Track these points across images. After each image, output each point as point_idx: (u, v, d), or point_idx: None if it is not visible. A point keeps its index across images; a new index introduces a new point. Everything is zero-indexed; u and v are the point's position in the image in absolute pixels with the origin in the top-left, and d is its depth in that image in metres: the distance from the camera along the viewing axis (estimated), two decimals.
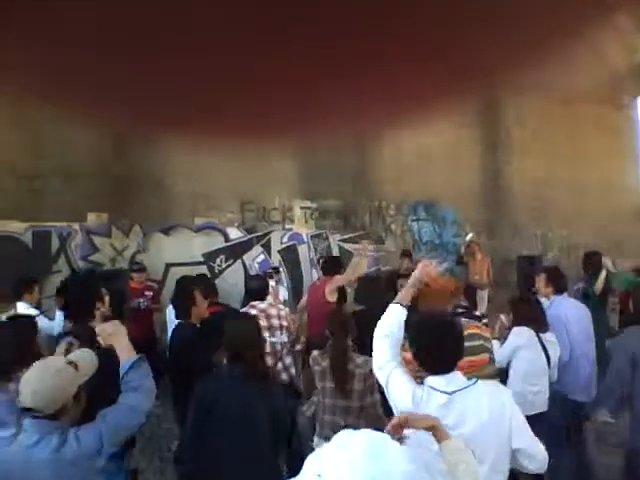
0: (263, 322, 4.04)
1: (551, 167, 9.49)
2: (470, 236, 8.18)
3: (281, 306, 4.51)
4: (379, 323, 2.38)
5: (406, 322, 2.36)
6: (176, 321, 4.27)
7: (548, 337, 3.79)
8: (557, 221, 9.72)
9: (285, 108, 0.40)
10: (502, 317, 4.09)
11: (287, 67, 0.34)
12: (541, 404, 3.67)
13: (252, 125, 0.42)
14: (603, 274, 5.87)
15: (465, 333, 2.80)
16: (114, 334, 2.34)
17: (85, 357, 2.13)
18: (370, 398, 3.12)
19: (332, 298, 5.21)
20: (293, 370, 4.36)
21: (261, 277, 4.81)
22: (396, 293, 7.33)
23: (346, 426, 2.67)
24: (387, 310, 2.43)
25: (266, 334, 3.98)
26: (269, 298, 4.64)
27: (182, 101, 0.38)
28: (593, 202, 9.73)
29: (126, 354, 2.29)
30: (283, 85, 0.36)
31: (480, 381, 2.07)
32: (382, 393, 2.39)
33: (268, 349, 4.02)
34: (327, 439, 1.26)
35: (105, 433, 1.95)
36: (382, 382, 2.19)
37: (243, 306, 4.67)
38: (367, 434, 1.19)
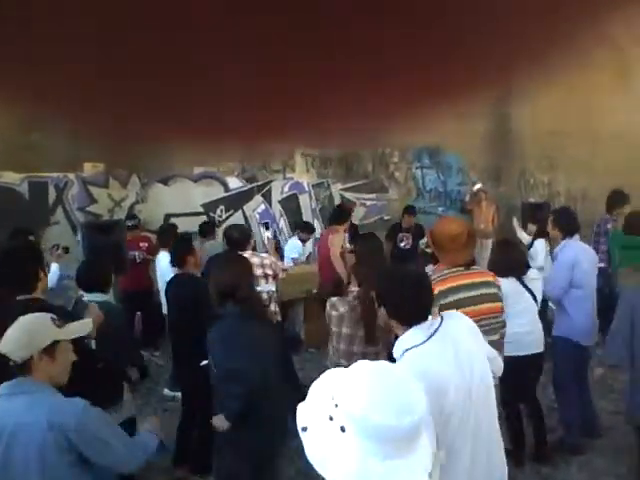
0: None
1: (563, 116, 9.19)
2: (478, 185, 8.02)
3: (264, 254, 4.54)
4: None
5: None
6: (170, 272, 4.22)
7: (530, 275, 3.80)
8: (566, 170, 9.49)
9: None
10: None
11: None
12: (536, 344, 3.70)
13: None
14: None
15: (481, 280, 2.82)
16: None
17: (84, 322, 2.12)
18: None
19: (332, 247, 5.22)
20: (279, 317, 4.43)
21: (242, 227, 4.79)
22: (395, 245, 7.31)
23: None
24: None
25: None
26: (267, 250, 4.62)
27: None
28: (605, 152, 9.46)
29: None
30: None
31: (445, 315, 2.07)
32: None
33: None
34: None
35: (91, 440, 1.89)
36: None
37: None
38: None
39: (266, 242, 5.01)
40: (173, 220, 7.10)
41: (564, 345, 3.88)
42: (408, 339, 1.93)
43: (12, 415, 1.81)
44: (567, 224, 4.10)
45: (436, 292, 2.59)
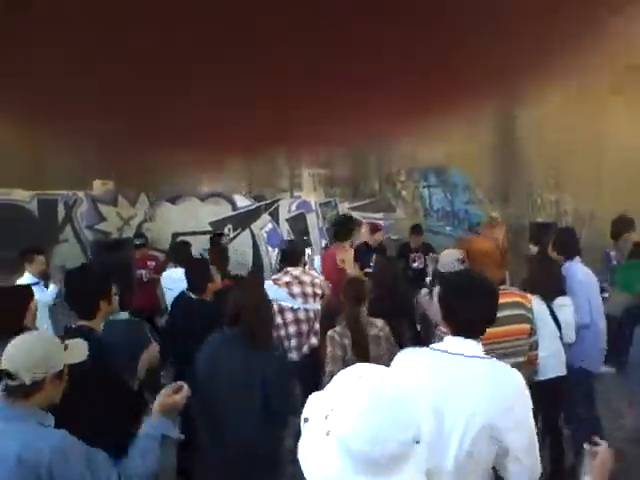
0: (297, 289, 4.08)
1: (570, 136, 9.20)
2: (494, 213, 7.90)
3: (315, 273, 4.47)
4: None
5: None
6: (180, 288, 4.16)
7: (559, 301, 3.69)
8: (573, 189, 9.47)
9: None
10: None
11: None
12: (553, 368, 3.58)
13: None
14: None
15: (511, 300, 2.74)
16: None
17: (78, 344, 1.97)
18: None
19: (342, 265, 5.16)
20: (318, 337, 4.28)
21: (296, 242, 4.76)
22: (407, 262, 7.23)
23: None
24: None
25: (300, 300, 4.04)
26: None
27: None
28: (613, 173, 9.44)
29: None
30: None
31: (495, 360, 1.88)
32: None
33: (302, 316, 4.07)
34: None
35: None
36: None
37: (279, 270, 4.66)
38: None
39: (307, 259, 4.96)
40: (180, 239, 7.12)
41: (573, 372, 3.79)
42: (445, 344, 1.89)
43: None
44: (566, 246, 4.02)
45: None
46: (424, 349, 1.95)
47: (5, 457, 1.64)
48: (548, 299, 3.63)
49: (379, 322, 3.34)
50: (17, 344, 1.76)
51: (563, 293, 3.74)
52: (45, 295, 4.74)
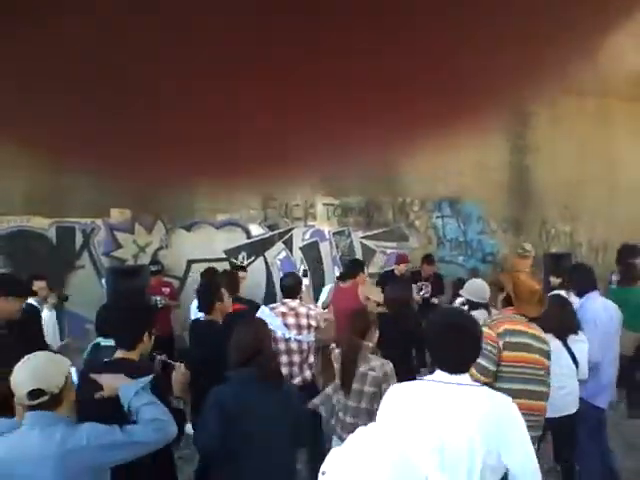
0: (292, 320, 4.12)
1: (582, 165, 9.23)
2: (528, 246, 7.80)
3: (312, 306, 4.52)
4: None
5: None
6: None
7: (574, 337, 3.68)
8: (586, 220, 9.45)
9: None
10: None
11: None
12: (571, 405, 3.59)
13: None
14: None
15: (539, 335, 2.90)
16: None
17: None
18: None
19: (367, 302, 5.20)
20: (314, 369, 4.35)
21: (295, 275, 4.81)
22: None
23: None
24: None
25: (294, 332, 4.07)
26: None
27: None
28: (625, 201, 9.42)
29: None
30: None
31: (486, 388, 1.96)
32: None
33: (295, 347, 4.09)
34: (342, 440, 1.28)
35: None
36: None
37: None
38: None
39: (304, 289, 5.03)
40: (195, 266, 7.21)
41: (582, 408, 3.73)
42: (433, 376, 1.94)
43: (25, 451, 1.81)
44: (580, 282, 4.05)
45: (502, 329, 2.83)
46: (416, 382, 1.99)
47: (46, 457, 1.79)
48: (562, 337, 3.62)
49: (377, 362, 3.17)
50: (32, 365, 1.91)
51: (575, 332, 3.72)
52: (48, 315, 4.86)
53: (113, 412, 2.10)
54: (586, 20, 0.33)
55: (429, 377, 1.98)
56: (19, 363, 1.93)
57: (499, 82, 0.38)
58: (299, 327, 4.11)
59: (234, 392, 2.56)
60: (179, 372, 2.75)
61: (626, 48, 5.83)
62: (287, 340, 4.08)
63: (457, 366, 1.91)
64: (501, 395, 1.91)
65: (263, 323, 3.12)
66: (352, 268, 5.85)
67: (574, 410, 3.59)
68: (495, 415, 1.80)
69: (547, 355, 2.89)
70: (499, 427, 1.78)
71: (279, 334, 4.04)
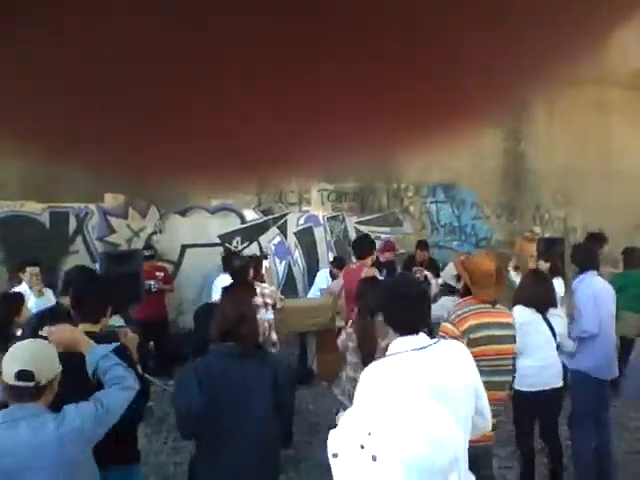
0: None
1: (577, 152, 9.23)
2: (537, 229, 7.71)
3: (265, 284, 4.68)
4: None
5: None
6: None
7: (552, 311, 3.70)
8: (582, 206, 9.47)
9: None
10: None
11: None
12: (554, 379, 3.59)
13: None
14: None
15: (505, 321, 2.89)
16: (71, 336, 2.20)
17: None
18: None
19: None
20: (278, 347, 4.46)
21: (242, 256, 4.90)
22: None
23: None
24: None
25: None
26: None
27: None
28: (621, 190, 9.45)
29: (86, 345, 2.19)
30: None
31: (443, 340, 2.11)
32: None
33: None
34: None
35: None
36: None
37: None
38: None
39: (264, 271, 5.15)
40: (189, 251, 7.21)
41: (583, 380, 3.82)
42: (397, 346, 1.96)
43: (15, 445, 1.78)
44: (582, 259, 4.12)
45: (466, 326, 2.73)
46: (390, 357, 1.98)
47: (44, 443, 1.79)
48: (542, 311, 3.65)
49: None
50: (29, 348, 1.90)
51: (554, 305, 3.75)
52: (40, 302, 4.78)
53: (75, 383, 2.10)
54: (591, 14, 0.34)
55: (394, 349, 1.97)
56: (22, 342, 1.94)
57: (498, 75, 0.39)
58: (256, 306, 4.06)
59: (215, 362, 2.58)
60: (131, 338, 2.73)
61: (626, 39, 5.82)
62: None
63: (414, 327, 1.99)
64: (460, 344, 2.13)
65: (247, 297, 3.16)
66: (366, 245, 5.30)
67: (555, 386, 3.59)
68: (470, 360, 2.00)
69: (513, 339, 2.88)
70: (474, 370, 1.99)
71: None
